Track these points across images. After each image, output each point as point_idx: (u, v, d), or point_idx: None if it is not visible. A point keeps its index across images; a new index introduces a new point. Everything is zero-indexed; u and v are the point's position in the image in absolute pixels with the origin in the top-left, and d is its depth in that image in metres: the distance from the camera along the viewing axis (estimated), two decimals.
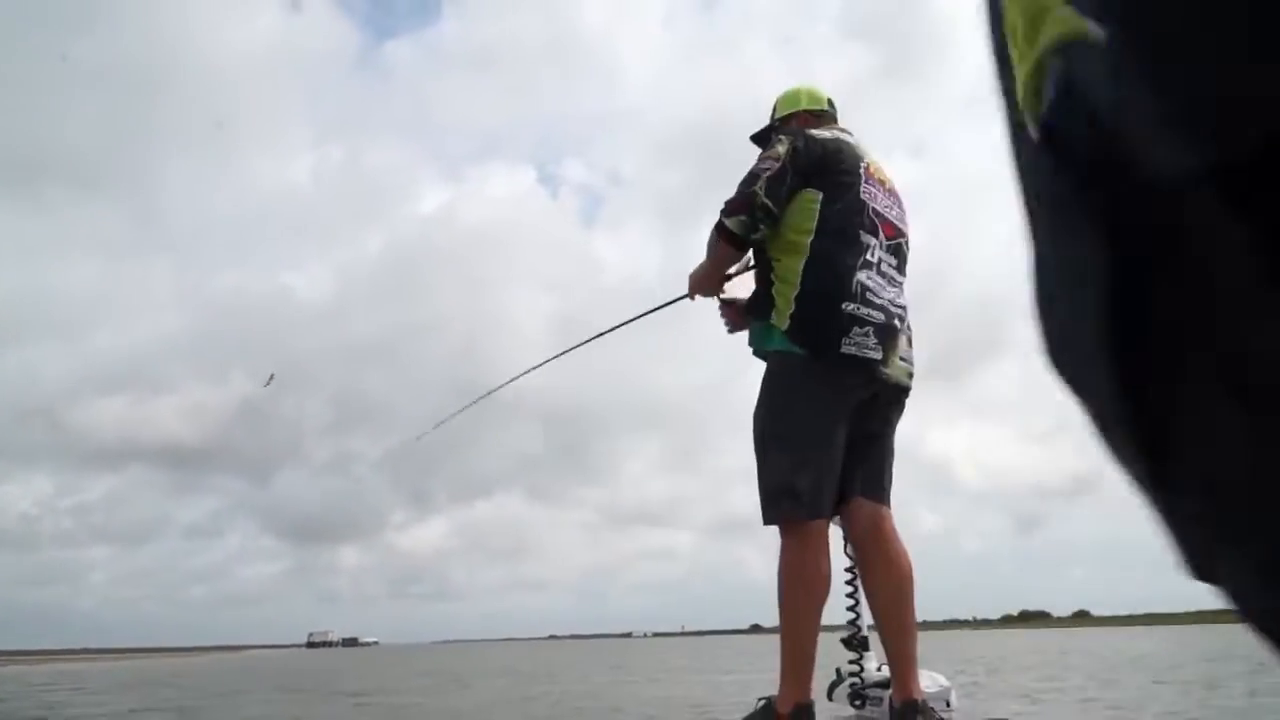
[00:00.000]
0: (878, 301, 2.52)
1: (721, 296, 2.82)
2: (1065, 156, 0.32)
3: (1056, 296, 0.35)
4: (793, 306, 2.49)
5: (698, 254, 2.77)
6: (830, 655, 2.82)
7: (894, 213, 2.68)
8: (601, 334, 3.20)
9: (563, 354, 3.36)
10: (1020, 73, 0.34)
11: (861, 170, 2.61)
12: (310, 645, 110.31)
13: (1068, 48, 0.31)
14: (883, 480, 2.62)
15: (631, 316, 3.13)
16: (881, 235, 2.59)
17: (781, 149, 2.56)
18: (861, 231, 2.55)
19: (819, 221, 2.52)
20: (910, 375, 2.61)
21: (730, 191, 2.58)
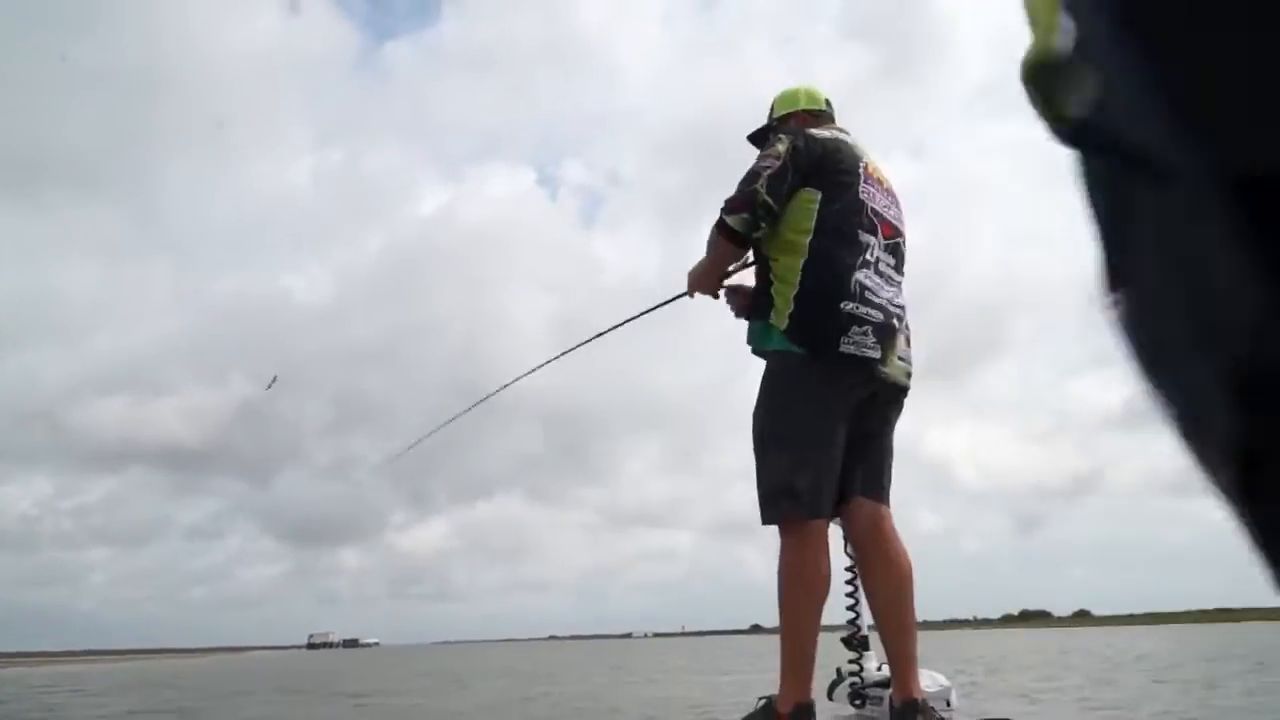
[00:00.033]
0: (876, 301, 2.52)
1: (727, 283, 2.81)
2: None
3: (1151, 282, 0.34)
4: (791, 306, 2.49)
5: (697, 254, 2.77)
6: (830, 655, 2.82)
7: (892, 212, 2.68)
8: (601, 334, 3.19)
9: (562, 355, 3.35)
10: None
11: (860, 170, 2.62)
12: (311, 646, 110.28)
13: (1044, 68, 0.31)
14: (882, 479, 2.62)
15: (631, 316, 3.13)
16: (880, 235, 2.59)
17: (782, 147, 2.56)
18: (860, 231, 2.55)
19: (817, 221, 2.52)
20: (909, 375, 2.61)
21: (730, 190, 2.58)
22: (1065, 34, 0.32)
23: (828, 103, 2.89)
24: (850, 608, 3.00)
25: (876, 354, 2.47)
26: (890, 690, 2.57)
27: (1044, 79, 0.34)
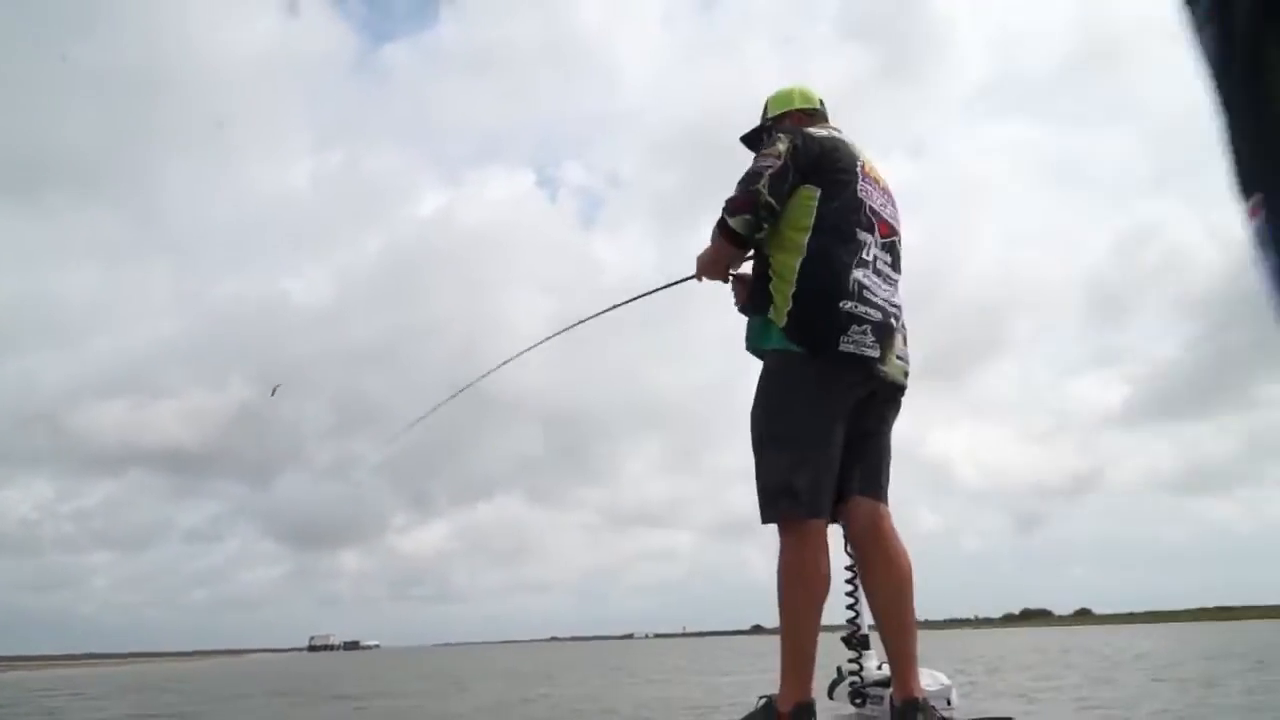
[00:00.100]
0: (875, 300, 2.51)
1: (733, 272, 2.80)
2: None
3: None
4: (790, 304, 2.48)
5: (697, 255, 2.76)
6: (830, 654, 2.82)
7: (889, 211, 2.68)
8: (615, 306, 3.13)
9: (563, 331, 3.28)
10: None
11: (858, 169, 2.61)
12: (312, 649, 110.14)
13: None
14: (880, 478, 2.61)
15: (638, 294, 3.08)
16: (877, 233, 2.59)
17: (782, 146, 2.56)
18: (858, 229, 2.55)
19: (816, 219, 2.52)
20: (906, 374, 2.61)
21: (731, 191, 2.58)
22: None
23: (821, 102, 2.88)
24: (850, 607, 3.00)
25: (875, 353, 2.47)
26: (890, 689, 2.57)
27: None
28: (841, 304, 2.46)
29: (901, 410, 2.67)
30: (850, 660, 3.01)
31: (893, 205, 2.72)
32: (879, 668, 2.94)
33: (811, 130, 2.65)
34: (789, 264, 2.51)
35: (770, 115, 2.88)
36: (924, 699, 2.46)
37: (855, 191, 2.57)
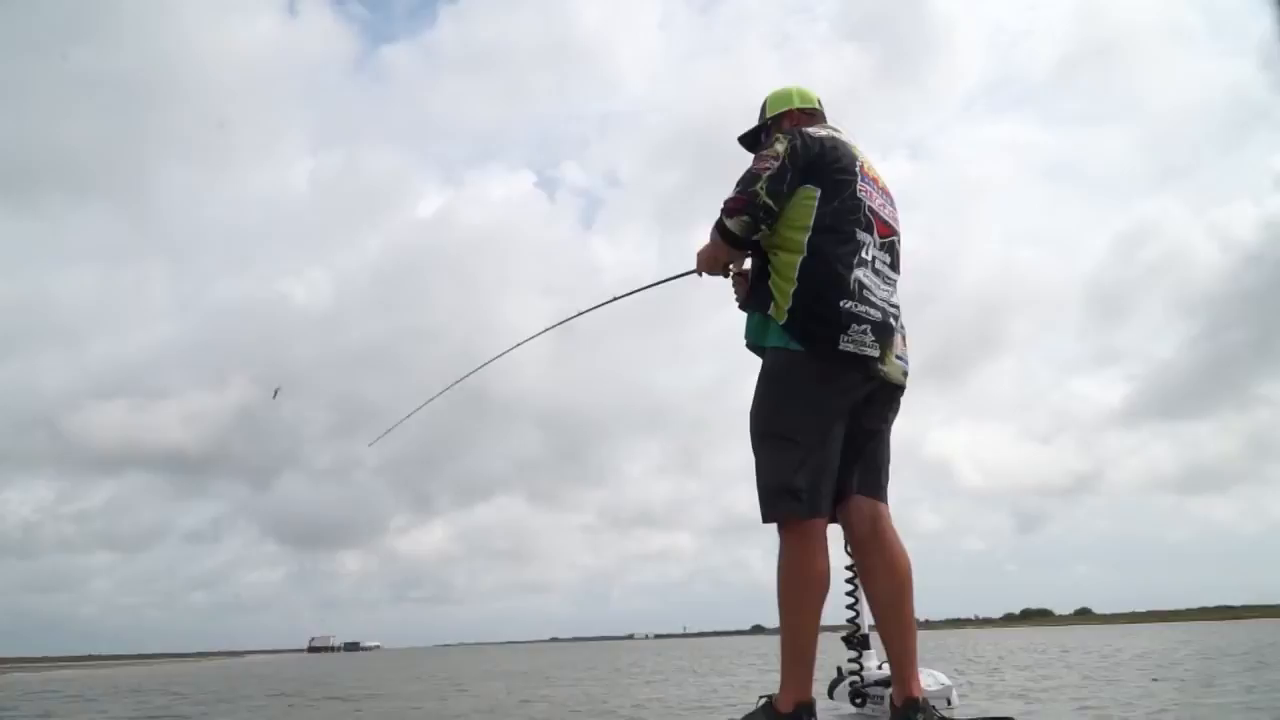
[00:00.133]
0: (874, 299, 2.51)
1: (733, 269, 2.79)
2: None
3: None
4: (790, 303, 2.48)
5: (696, 255, 2.76)
6: (831, 654, 2.82)
7: (888, 211, 2.67)
8: (616, 298, 3.13)
9: (565, 321, 3.28)
10: None
11: (857, 169, 2.61)
12: (312, 650, 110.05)
13: None
14: (880, 478, 2.61)
15: (639, 287, 3.08)
16: (876, 233, 2.58)
17: (780, 147, 2.56)
18: (858, 229, 2.54)
19: (816, 218, 2.52)
20: (905, 374, 2.61)
21: (729, 191, 2.57)
22: None
23: (819, 102, 2.88)
24: (850, 606, 3.00)
25: (875, 352, 2.47)
26: (891, 689, 2.57)
27: None
28: (842, 303, 2.45)
29: (901, 410, 2.67)
30: (850, 660, 3.01)
31: (892, 205, 2.71)
32: (879, 668, 2.94)
33: (810, 130, 2.65)
34: (789, 263, 2.51)
35: (769, 115, 2.88)
36: (924, 699, 2.46)
37: (854, 191, 2.57)
